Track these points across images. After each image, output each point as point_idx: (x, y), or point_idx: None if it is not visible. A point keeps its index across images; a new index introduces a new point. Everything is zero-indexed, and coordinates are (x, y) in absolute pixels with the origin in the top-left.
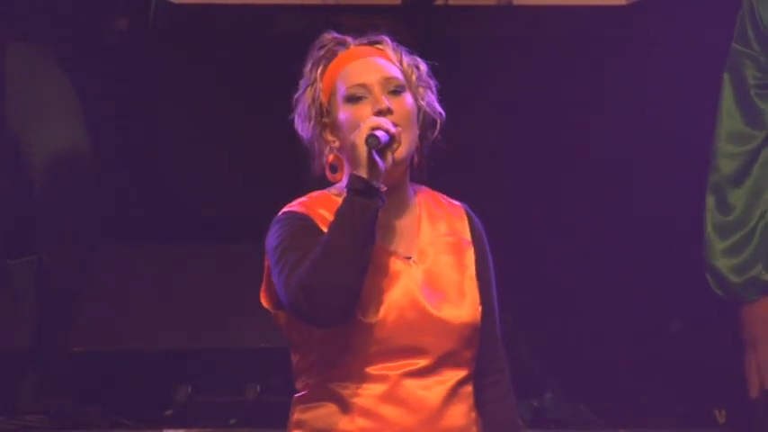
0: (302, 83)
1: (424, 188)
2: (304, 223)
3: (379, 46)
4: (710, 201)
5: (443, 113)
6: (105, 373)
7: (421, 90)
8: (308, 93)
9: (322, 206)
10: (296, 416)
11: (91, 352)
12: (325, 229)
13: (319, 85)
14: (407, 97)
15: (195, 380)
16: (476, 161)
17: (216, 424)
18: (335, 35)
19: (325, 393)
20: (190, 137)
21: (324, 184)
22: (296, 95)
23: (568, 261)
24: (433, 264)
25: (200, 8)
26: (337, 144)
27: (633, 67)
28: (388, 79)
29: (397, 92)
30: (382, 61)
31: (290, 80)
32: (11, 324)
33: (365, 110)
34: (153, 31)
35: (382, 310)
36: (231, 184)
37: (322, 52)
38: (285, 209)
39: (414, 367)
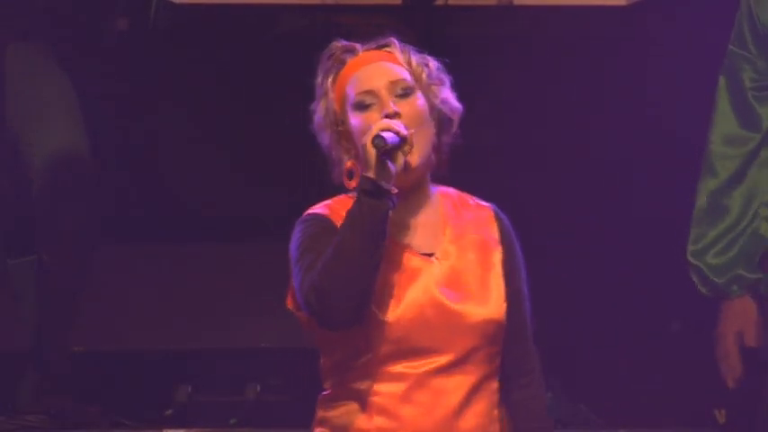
0: (317, 93)
1: (450, 189)
2: (324, 225)
3: (387, 49)
4: (702, 201)
5: (461, 108)
6: (105, 373)
7: (434, 88)
8: (322, 103)
9: (345, 209)
10: (320, 414)
11: (91, 352)
12: None
13: (331, 95)
14: (417, 98)
15: (195, 380)
16: (476, 161)
17: (216, 424)
18: (344, 43)
19: (347, 392)
20: (190, 137)
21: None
22: (312, 106)
23: (568, 261)
24: (458, 261)
25: (200, 8)
26: (353, 151)
27: (633, 67)
28: (394, 83)
29: (405, 94)
30: (389, 65)
31: (290, 80)
32: (11, 324)
33: (374, 116)
34: (153, 31)
35: (401, 308)
36: (231, 184)
37: (331, 62)
38: (308, 211)
39: (434, 365)
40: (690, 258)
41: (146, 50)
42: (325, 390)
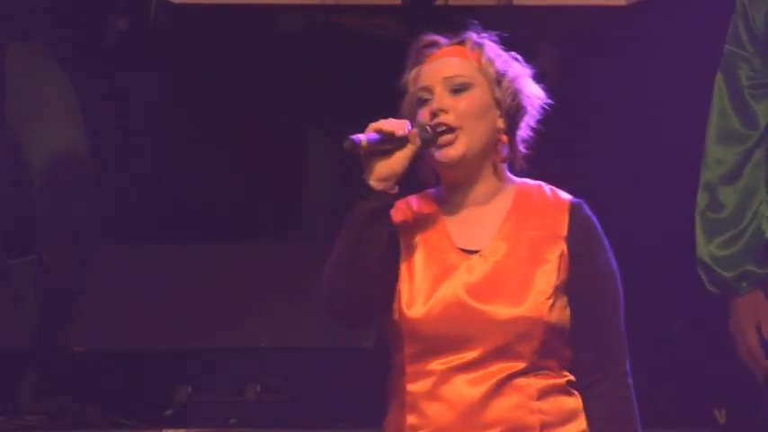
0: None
1: (531, 182)
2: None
3: (460, 45)
4: (703, 198)
5: (539, 101)
6: (105, 373)
7: (504, 82)
8: (406, 97)
9: (421, 204)
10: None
11: (91, 352)
12: (398, 227)
13: (410, 88)
14: (472, 95)
15: (195, 380)
16: None
17: (216, 424)
18: (430, 37)
19: (393, 390)
20: (190, 137)
21: None
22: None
23: None
24: (505, 257)
25: (200, 8)
26: None
27: (633, 67)
28: (448, 78)
29: (459, 90)
30: (452, 60)
31: (290, 80)
32: (11, 324)
33: (428, 111)
34: (153, 31)
35: (429, 305)
36: (231, 184)
37: (412, 57)
38: None
39: (460, 361)
40: (697, 255)
41: (146, 50)
42: None
